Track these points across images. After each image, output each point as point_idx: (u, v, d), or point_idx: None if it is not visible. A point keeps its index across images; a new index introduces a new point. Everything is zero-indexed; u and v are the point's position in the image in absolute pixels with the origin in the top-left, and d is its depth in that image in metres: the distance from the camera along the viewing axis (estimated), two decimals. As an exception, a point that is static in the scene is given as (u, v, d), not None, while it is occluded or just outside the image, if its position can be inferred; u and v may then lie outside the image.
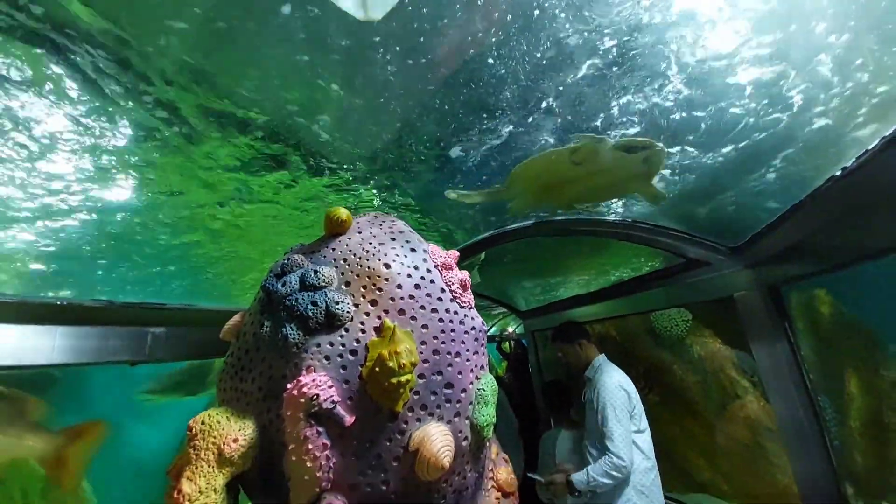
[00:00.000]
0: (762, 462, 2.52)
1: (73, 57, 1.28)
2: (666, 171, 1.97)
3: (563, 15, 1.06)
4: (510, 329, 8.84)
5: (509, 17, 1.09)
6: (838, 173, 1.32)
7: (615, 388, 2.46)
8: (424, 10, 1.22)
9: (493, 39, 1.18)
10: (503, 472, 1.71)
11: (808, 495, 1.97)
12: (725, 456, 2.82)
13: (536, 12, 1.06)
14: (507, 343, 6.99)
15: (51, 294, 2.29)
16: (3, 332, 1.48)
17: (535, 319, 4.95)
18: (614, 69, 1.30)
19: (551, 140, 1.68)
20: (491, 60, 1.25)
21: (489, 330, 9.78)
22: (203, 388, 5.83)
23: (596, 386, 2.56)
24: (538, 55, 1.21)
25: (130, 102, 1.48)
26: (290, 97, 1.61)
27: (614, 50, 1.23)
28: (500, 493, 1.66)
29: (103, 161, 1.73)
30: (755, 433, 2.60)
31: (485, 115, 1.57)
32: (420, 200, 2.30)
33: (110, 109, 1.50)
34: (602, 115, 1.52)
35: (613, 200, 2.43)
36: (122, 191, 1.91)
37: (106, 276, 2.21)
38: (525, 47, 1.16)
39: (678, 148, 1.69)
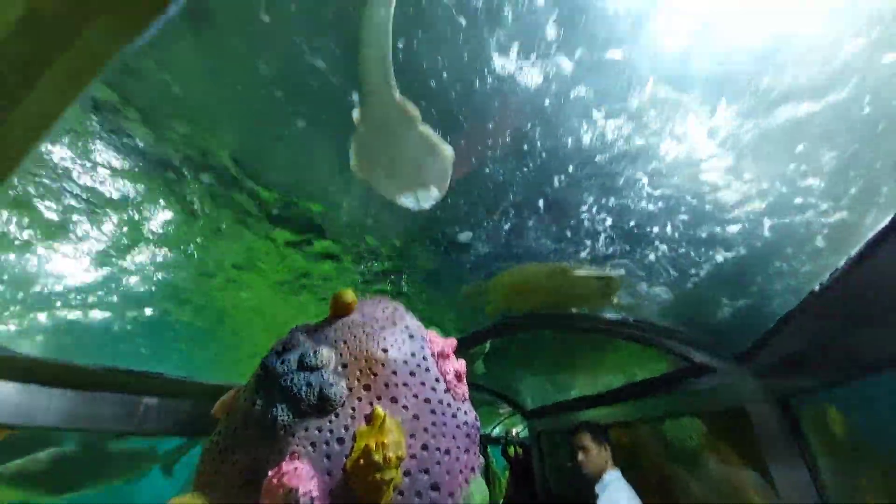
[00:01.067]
0: None
1: (123, 141, 1.51)
2: (664, 276, 2.07)
3: (542, 142, 1.26)
4: (515, 431, 8.20)
5: (509, 140, 1.29)
6: (816, 289, 1.37)
7: None
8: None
9: (496, 154, 1.38)
10: None
11: None
12: None
13: (525, 146, 1.26)
14: (513, 447, 6.44)
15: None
16: (7, 389, 1.50)
17: (541, 420, 4.64)
18: (612, 213, 1.51)
19: (544, 240, 1.83)
20: (488, 170, 1.45)
21: (494, 429, 9.08)
22: (69, 488, 4.54)
23: None
24: (528, 168, 1.40)
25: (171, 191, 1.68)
26: (313, 187, 1.80)
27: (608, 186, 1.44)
28: None
29: (130, 239, 1.91)
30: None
31: (490, 213, 1.73)
32: (426, 287, 2.39)
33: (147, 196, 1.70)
34: (594, 226, 1.69)
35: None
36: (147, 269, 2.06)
37: (124, 349, 2.28)
38: (517, 162, 1.36)
39: (668, 254, 1.80)
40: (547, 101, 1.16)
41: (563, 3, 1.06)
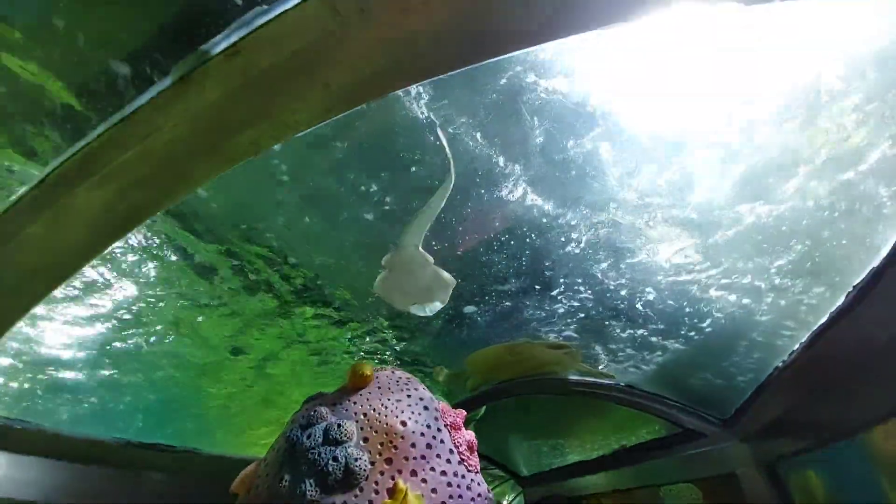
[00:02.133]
0: None
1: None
2: (651, 346, 2.27)
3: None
4: (506, 501, 7.80)
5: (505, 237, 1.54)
6: (780, 364, 1.58)
7: None
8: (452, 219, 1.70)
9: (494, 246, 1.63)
10: None
11: None
12: None
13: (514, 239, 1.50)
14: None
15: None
16: (10, 462, 1.49)
17: (537, 487, 4.51)
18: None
19: (538, 314, 2.06)
20: (491, 256, 1.69)
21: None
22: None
23: None
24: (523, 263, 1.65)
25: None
26: (327, 262, 1.98)
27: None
28: None
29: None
30: None
31: (491, 292, 1.94)
32: (428, 354, 2.51)
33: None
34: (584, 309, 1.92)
35: (604, 365, 2.68)
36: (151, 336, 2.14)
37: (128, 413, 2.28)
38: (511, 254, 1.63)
39: (654, 326, 2.01)
40: (543, 220, 1.47)
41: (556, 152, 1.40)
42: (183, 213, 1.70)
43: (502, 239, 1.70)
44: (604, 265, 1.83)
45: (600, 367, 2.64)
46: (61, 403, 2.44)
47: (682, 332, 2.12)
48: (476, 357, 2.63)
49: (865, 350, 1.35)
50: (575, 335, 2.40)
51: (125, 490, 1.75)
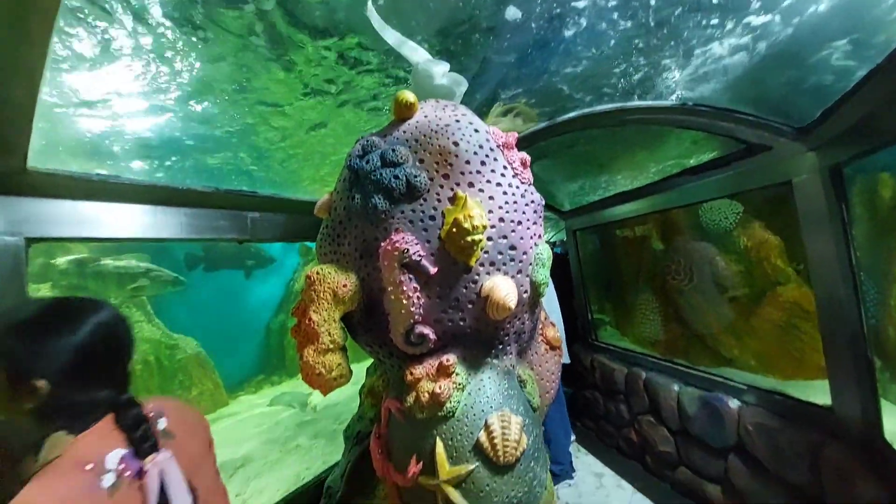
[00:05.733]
0: (793, 340, 2.70)
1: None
2: (734, 43, 1.87)
3: None
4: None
5: None
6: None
7: None
8: None
9: None
10: (550, 330, 2.01)
11: (834, 366, 2.12)
12: (756, 335, 3.03)
13: None
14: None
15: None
16: (141, 211, 1.81)
17: (576, 219, 5.03)
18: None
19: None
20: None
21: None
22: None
23: None
24: None
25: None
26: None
27: None
28: (548, 346, 1.98)
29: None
30: (790, 315, 2.74)
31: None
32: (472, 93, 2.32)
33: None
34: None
35: (674, 80, 2.36)
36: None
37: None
38: None
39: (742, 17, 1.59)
40: None
41: None
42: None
43: None
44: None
45: (673, 81, 2.33)
46: (159, 165, 2.76)
47: (765, 32, 1.67)
48: None
49: None
50: (640, 37, 1.97)
51: (235, 225, 2.12)
